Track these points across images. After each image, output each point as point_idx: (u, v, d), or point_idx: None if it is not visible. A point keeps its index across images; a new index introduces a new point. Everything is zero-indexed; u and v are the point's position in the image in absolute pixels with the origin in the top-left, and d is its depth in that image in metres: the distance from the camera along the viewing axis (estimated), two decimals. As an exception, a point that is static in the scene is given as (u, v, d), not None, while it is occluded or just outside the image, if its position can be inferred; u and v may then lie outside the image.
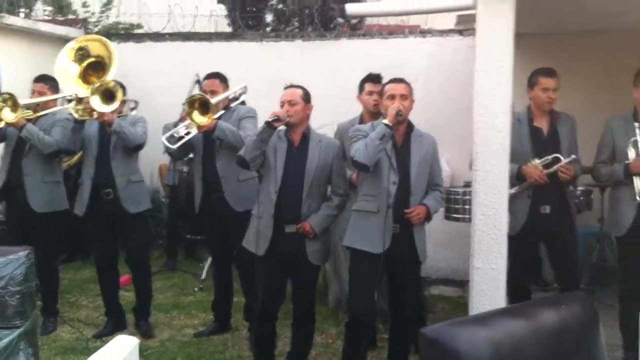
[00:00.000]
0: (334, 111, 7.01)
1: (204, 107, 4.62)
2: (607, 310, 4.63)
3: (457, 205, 5.25)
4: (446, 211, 5.31)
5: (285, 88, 4.24)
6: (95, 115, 4.84)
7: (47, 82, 5.23)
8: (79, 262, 7.17)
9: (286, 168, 4.10)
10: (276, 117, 4.01)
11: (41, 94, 5.20)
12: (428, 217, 3.99)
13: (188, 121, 4.70)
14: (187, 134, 4.76)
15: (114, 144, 4.96)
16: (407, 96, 3.98)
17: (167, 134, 4.82)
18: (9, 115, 4.93)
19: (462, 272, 6.01)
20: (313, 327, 4.41)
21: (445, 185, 5.86)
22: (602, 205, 5.88)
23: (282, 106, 4.14)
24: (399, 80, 4.04)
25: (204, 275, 6.47)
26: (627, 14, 5.03)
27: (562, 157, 4.45)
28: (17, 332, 3.91)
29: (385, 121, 3.81)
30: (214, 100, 4.70)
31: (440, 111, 6.48)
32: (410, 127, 4.06)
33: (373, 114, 4.72)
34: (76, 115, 4.89)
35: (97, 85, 4.79)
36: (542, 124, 4.60)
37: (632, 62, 4.65)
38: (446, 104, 6.53)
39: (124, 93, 5.11)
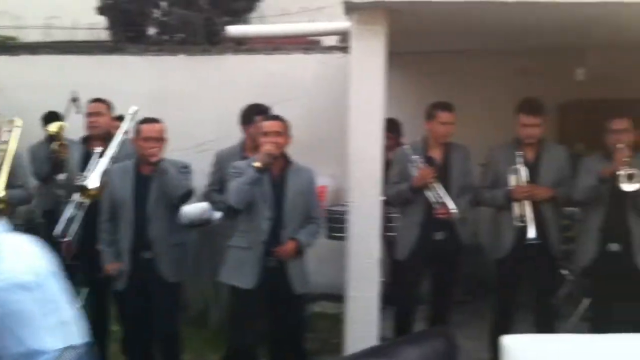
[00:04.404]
0: (219, 128, 6.98)
1: None
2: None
3: (339, 224, 5.30)
4: (329, 230, 5.36)
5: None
6: None
7: None
8: None
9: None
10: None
11: None
12: (300, 252, 4.01)
13: None
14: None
15: None
16: (282, 133, 3.96)
17: None
18: None
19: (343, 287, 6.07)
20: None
21: (332, 201, 5.94)
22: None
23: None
24: (274, 118, 4.10)
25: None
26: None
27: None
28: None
29: (257, 164, 3.84)
30: None
31: (325, 127, 6.54)
32: (287, 161, 4.09)
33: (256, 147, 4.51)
34: None
35: None
36: (436, 153, 4.68)
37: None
38: (331, 120, 6.59)
39: None
